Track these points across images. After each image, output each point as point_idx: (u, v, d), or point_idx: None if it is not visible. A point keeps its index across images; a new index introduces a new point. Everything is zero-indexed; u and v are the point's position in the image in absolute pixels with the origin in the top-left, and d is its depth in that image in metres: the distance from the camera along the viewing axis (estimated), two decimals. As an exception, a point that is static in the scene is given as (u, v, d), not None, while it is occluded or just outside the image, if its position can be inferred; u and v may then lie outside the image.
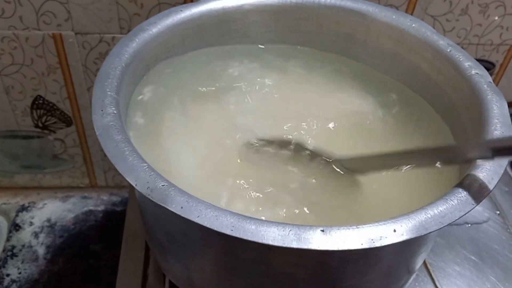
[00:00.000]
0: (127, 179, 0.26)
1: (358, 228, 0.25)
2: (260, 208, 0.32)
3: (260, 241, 0.24)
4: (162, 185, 0.26)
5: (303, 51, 0.44)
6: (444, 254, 0.46)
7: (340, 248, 0.24)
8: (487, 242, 0.47)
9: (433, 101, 0.39)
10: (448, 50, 0.37)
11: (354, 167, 0.35)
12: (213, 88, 0.40)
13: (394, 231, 0.24)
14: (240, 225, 0.24)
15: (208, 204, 0.25)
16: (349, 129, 0.38)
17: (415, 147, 0.36)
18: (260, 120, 0.38)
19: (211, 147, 0.35)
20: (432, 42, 0.38)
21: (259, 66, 0.42)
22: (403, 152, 0.33)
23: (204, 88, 0.40)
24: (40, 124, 0.56)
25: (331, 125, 0.38)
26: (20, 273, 0.55)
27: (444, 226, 0.25)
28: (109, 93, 0.31)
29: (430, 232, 0.25)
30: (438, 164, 0.30)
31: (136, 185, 0.26)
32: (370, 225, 0.25)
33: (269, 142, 0.36)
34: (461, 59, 0.36)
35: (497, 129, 0.31)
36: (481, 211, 0.50)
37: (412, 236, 0.24)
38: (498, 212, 0.50)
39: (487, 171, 0.28)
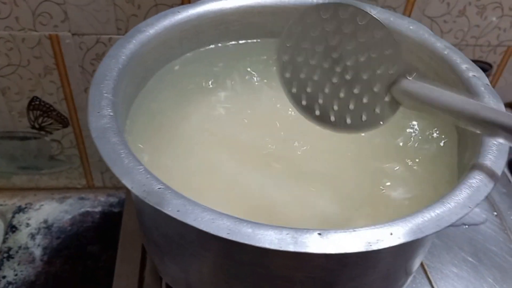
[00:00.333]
0: (123, 182, 0.26)
1: (355, 231, 0.25)
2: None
3: (256, 244, 0.24)
4: (159, 188, 0.26)
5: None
6: (441, 256, 0.46)
7: (337, 252, 0.24)
8: (485, 243, 0.47)
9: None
10: (445, 52, 0.37)
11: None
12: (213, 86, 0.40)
13: (391, 234, 0.24)
14: (237, 229, 0.24)
15: (205, 207, 0.25)
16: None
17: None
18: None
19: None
20: (429, 44, 0.38)
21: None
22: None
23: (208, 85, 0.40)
24: (36, 125, 0.56)
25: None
26: (16, 275, 0.55)
27: (441, 229, 0.25)
28: (105, 95, 0.31)
29: (427, 235, 0.25)
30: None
31: (132, 188, 0.26)
32: (367, 228, 0.25)
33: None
34: (458, 61, 0.36)
35: (494, 132, 0.30)
36: (478, 212, 0.50)
37: (409, 239, 0.24)
38: (495, 213, 0.50)
39: (485, 174, 0.28)
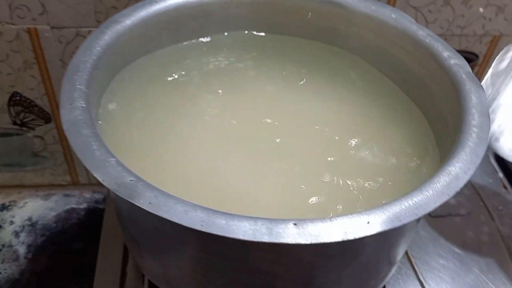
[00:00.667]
0: (94, 174, 0.25)
1: (331, 221, 0.24)
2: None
3: (230, 235, 0.23)
4: (130, 180, 0.25)
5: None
6: (427, 247, 0.46)
7: (313, 242, 0.23)
8: (471, 234, 0.47)
9: (413, 94, 0.39)
10: (427, 41, 0.36)
11: None
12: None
13: (368, 223, 0.24)
14: (210, 220, 0.24)
15: (178, 199, 0.24)
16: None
17: None
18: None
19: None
20: (411, 33, 0.37)
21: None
22: None
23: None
24: (18, 121, 0.55)
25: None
26: (0, 273, 0.54)
27: (418, 218, 0.24)
28: (78, 86, 0.30)
29: (404, 224, 0.24)
30: None
31: (103, 180, 0.25)
32: (344, 217, 0.24)
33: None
34: (440, 49, 0.35)
35: (475, 119, 0.30)
36: (465, 202, 0.49)
37: (386, 228, 0.24)
38: (481, 203, 0.50)
39: (464, 162, 0.27)
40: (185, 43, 0.42)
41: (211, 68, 0.41)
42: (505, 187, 0.51)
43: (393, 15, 0.39)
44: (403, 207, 0.25)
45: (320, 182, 0.33)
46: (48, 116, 0.55)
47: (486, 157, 0.54)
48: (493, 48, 0.55)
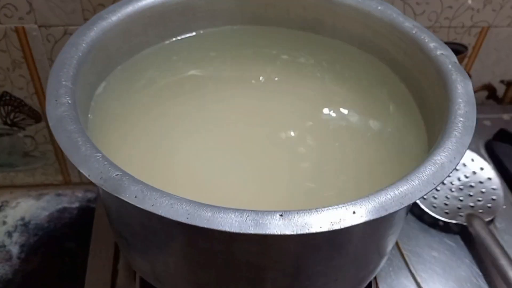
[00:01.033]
0: (80, 170, 0.25)
1: (317, 211, 0.24)
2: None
3: (216, 228, 0.23)
4: (116, 175, 0.25)
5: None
6: (418, 238, 0.46)
7: (299, 232, 0.23)
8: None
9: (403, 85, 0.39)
10: (414, 32, 0.36)
11: None
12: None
13: (354, 213, 0.24)
14: (196, 213, 0.24)
15: (164, 193, 0.24)
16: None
17: None
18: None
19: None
20: (397, 24, 0.37)
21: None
22: None
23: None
24: (8, 121, 0.55)
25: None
26: (-7, 273, 0.54)
27: (404, 207, 0.24)
28: (64, 83, 0.30)
29: (390, 213, 0.24)
30: None
31: (89, 175, 0.25)
32: (330, 208, 0.24)
33: None
34: (426, 40, 0.35)
35: (461, 108, 0.30)
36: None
37: (372, 217, 0.24)
38: (472, 194, 0.50)
39: (450, 151, 0.27)
40: (173, 39, 0.42)
41: (199, 65, 0.41)
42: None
43: (379, 7, 0.39)
44: (389, 196, 0.25)
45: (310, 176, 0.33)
46: (38, 115, 0.55)
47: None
48: (482, 39, 0.55)
